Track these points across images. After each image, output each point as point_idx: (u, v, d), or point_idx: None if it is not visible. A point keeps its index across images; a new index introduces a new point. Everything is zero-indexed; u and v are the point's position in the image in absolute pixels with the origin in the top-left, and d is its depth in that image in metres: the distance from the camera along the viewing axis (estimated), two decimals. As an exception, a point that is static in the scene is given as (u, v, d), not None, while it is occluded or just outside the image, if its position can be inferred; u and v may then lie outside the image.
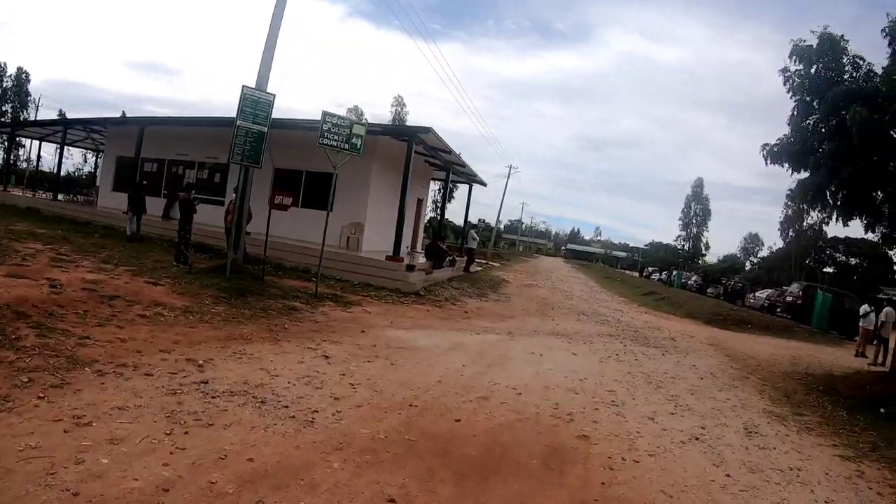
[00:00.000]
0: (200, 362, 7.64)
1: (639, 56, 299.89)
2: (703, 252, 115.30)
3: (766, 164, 15.36)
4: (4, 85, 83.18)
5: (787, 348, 22.06)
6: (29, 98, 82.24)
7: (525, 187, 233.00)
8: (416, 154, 23.54)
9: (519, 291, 27.87)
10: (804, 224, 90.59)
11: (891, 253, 34.03)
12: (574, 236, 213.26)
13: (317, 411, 6.64)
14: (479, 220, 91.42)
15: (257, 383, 7.24)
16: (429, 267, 22.14)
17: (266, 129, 14.10)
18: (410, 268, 19.45)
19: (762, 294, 47.07)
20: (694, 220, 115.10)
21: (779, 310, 38.28)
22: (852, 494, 7.19)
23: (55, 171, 39.82)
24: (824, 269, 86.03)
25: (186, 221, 16.45)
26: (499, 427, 7.40)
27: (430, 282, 21.00)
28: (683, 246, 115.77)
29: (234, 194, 15.96)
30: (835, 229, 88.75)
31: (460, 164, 27.55)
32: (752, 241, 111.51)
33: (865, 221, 15.15)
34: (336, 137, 14.98)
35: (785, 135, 15.11)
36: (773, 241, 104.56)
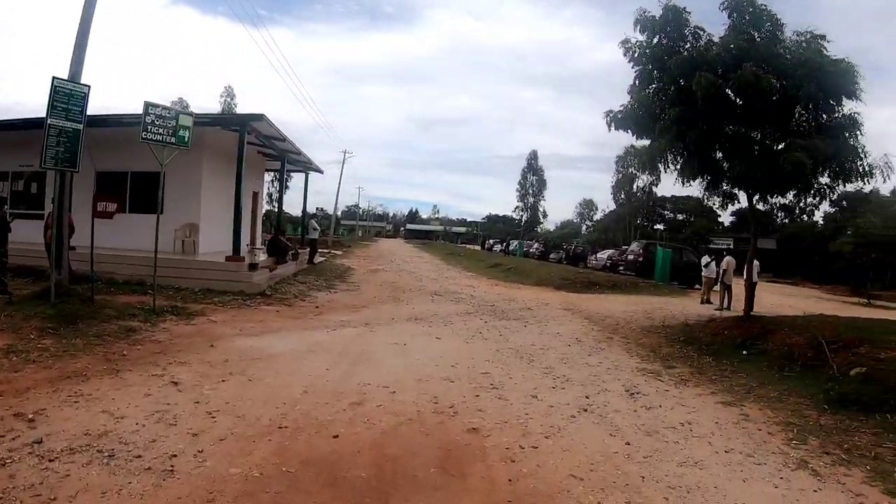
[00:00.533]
0: (30, 416, 6.63)
1: (466, 36, 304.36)
2: (542, 220, 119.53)
3: (610, 130, 15.88)
4: None
5: (637, 304, 23.35)
6: None
7: (361, 171, 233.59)
8: (249, 144, 22.50)
9: (367, 278, 27.44)
10: (634, 187, 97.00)
11: (715, 207, 37.02)
12: (412, 216, 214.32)
13: (175, 455, 5.84)
14: (318, 208, 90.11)
15: (101, 431, 6.32)
16: (272, 263, 21.23)
17: (81, 126, 12.65)
18: (253, 267, 18.55)
19: (603, 255, 49.26)
20: (530, 191, 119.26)
21: (621, 268, 40.75)
22: (746, 438, 7.72)
23: None
24: (655, 227, 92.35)
25: (3, 242, 14.87)
26: (382, 437, 6.94)
27: (276, 279, 20.15)
28: (522, 216, 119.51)
29: (53, 205, 14.62)
30: (663, 189, 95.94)
31: (295, 151, 26.53)
32: (588, 207, 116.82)
33: (707, 180, 16.17)
34: (161, 131, 13.83)
35: (629, 102, 15.64)
36: (605, 204, 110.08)
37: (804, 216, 76.84)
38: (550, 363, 11.48)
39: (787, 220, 76.91)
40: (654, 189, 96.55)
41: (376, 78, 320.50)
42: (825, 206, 53.75)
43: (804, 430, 8.19)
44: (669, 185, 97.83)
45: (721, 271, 24.64)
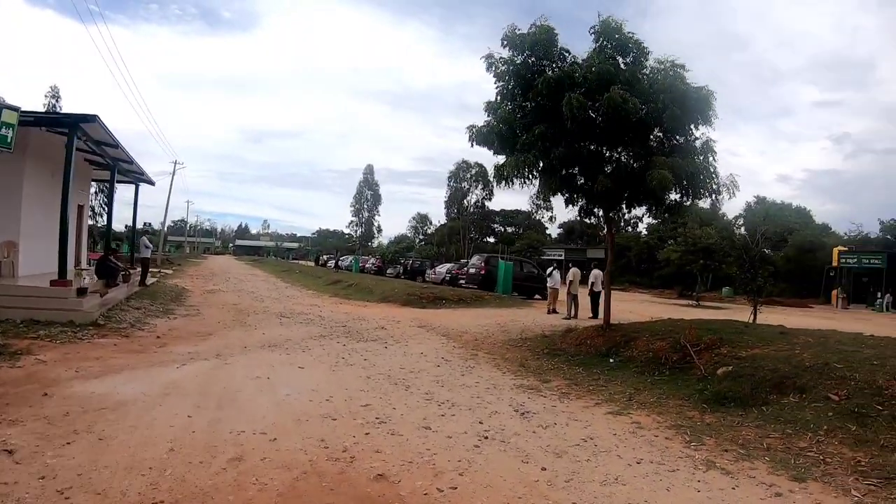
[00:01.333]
0: None
1: (303, 47, 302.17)
2: (376, 235, 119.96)
3: (472, 145, 16.41)
4: None
5: (488, 317, 23.71)
6: None
7: (189, 184, 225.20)
8: (77, 151, 20.55)
9: (205, 300, 25.59)
10: (466, 202, 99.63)
11: (544, 220, 39.27)
12: (242, 232, 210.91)
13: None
14: (145, 223, 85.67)
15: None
16: (102, 287, 19.08)
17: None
18: (82, 292, 16.48)
19: (442, 269, 49.71)
20: (365, 206, 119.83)
21: (462, 281, 41.27)
22: (649, 446, 8.08)
23: None
24: (486, 239, 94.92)
25: None
26: (281, 500, 5.90)
27: (108, 305, 18.08)
28: (356, 231, 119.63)
29: None
30: (494, 203, 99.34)
31: (127, 160, 24.27)
32: (422, 221, 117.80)
33: (566, 195, 16.65)
34: None
35: (490, 118, 16.07)
36: (438, 218, 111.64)
37: (628, 228, 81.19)
38: (428, 388, 11.15)
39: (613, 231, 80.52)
40: (487, 203, 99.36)
41: (208, 86, 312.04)
42: (647, 219, 58.02)
43: (696, 431, 8.83)
44: (501, 199, 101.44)
45: (567, 282, 26.45)
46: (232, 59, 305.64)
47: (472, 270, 40.65)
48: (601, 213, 17.40)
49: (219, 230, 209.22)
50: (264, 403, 9.39)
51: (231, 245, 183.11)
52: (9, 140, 12.34)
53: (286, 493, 6.06)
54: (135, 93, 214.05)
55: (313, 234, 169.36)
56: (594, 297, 25.42)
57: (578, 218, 18.43)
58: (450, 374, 12.43)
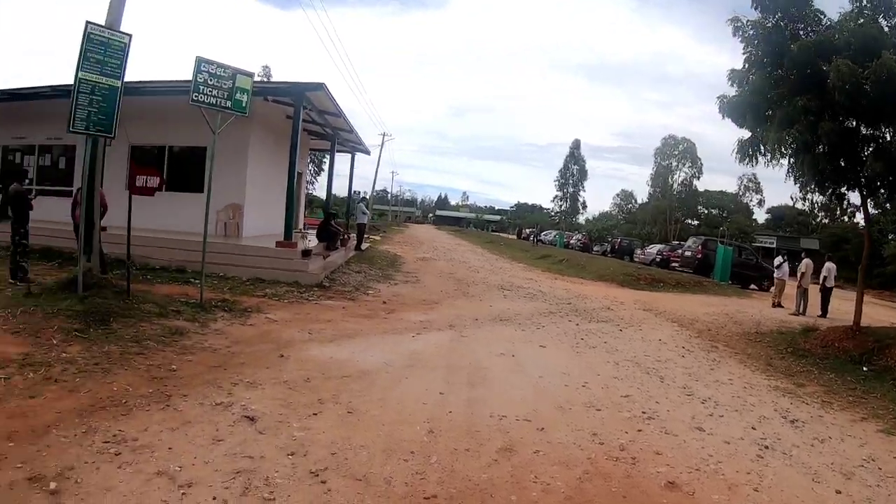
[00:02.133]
0: (52, 482, 4.37)
1: (498, 21, 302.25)
2: (581, 211, 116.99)
3: (723, 117, 14.75)
4: None
5: (712, 305, 21.79)
6: None
7: (391, 156, 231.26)
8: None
9: (421, 268, 25.00)
10: (671, 180, 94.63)
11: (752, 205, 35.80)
12: (441, 202, 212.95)
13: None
14: (356, 192, 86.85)
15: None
16: (323, 250, 18.88)
17: (120, 82, 10.27)
18: (306, 253, 16.20)
19: (652, 249, 46.78)
20: (570, 181, 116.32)
21: (675, 264, 38.24)
22: None
23: None
24: (686, 221, 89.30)
25: (20, 221, 12.63)
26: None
27: (330, 268, 17.79)
28: (561, 206, 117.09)
29: (82, 180, 12.50)
30: (703, 184, 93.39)
31: (347, 129, 23.92)
32: (626, 198, 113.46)
33: (825, 176, 14.39)
34: (215, 92, 11.51)
35: (742, 89, 14.37)
36: (641, 196, 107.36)
37: (844, 217, 73.31)
38: (682, 381, 9.85)
39: (826, 221, 74.22)
40: (696, 182, 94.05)
41: (407, 63, 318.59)
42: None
43: None
44: (705, 179, 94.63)
45: (799, 274, 23.21)
46: (426, 35, 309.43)
47: (687, 254, 38.05)
48: (858, 200, 15.31)
49: (419, 200, 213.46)
50: (519, 385, 8.40)
51: (431, 215, 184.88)
52: (244, 105, 11.97)
53: (574, 496, 5.06)
54: (349, 68, 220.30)
55: (511, 207, 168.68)
56: (825, 293, 22.45)
57: (796, 202, 15.96)
58: (698, 367, 11.07)
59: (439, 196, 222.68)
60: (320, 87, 16.50)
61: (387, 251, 31.76)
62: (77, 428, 5.39)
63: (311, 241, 20.90)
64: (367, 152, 31.80)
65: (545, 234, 78.00)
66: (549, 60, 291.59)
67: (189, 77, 11.45)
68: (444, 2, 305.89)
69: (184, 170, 19.05)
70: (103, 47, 10.00)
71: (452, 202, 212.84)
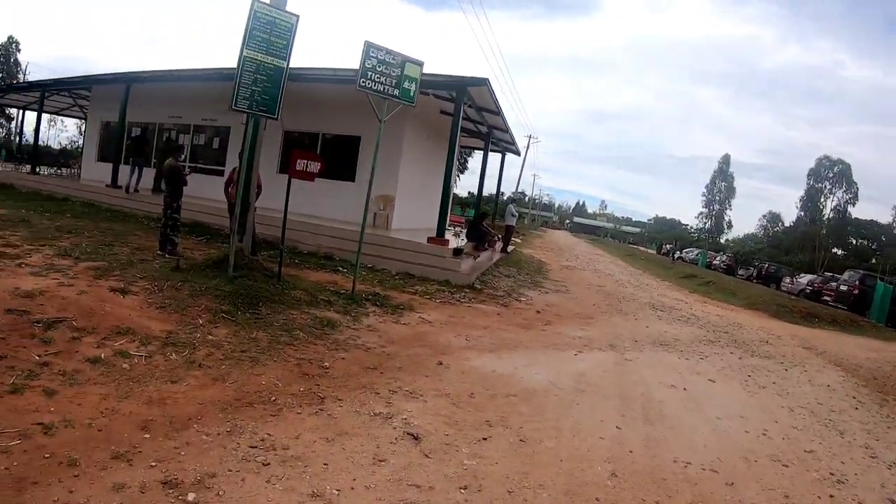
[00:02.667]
0: (191, 493, 3.75)
1: (642, 28, 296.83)
2: (725, 230, 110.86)
3: None
4: None
5: (871, 349, 19.06)
6: (18, 68, 77.51)
7: (532, 158, 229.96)
8: (447, 115, 19.93)
9: (568, 277, 23.68)
10: (821, 203, 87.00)
11: None
12: (579, 209, 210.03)
13: None
14: (513, 193, 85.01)
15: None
16: (472, 250, 18.13)
17: (286, 63, 9.85)
18: (458, 252, 15.45)
19: (802, 279, 42.89)
20: (717, 197, 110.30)
21: (828, 299, 34.90)
22: None
23: (47, 142, 36.98)
24: (833, 250, 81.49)
25: (174, 195, 12.43)
26: None
27: (479, 269, 17.00)
28: (705, 223, 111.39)
29: (239, 160, 12.17)
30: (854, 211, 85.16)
31: (503, 127, 22.98)
32: (773, 221, 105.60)
33: None
34: (382, 79, 10.91)
35: None
36: (788, 219, 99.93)
37: None
38: (861, 438, 8.35)
39: None
40: (850, 209, 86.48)
41: (549, 67, 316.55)
42: None
43: None
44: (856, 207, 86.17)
45: None
46: (571, 41, 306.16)
47: (842, 288, 34.48)
48: None
49: (555, 205, 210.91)
50: (697, 426, 7.32)
51: (568, 221, 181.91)
52: (411, 94, 11.36)
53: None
54: (500, 68, 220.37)
55: (649, 220, 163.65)
56: None
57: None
58: (874, 424, 9.44)
59: (577, 203, 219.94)
60: (484, 82, 15.71)
61: (531, 256, 30.79)
62: (221, 425, 4.80)
63: (462, 240, 20.20)
64: (518, 153, 30.84)
65: (686, 252, 74.73)
66: (693, 70, 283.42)
67: (350, 66, 11.66)
68: (590, 8, 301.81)
69: (335, 158, 18.63)
70: (269, 26, 9.56)
71: (590, 210, 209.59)
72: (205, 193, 17.03)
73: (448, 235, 16.24)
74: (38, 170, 29.83)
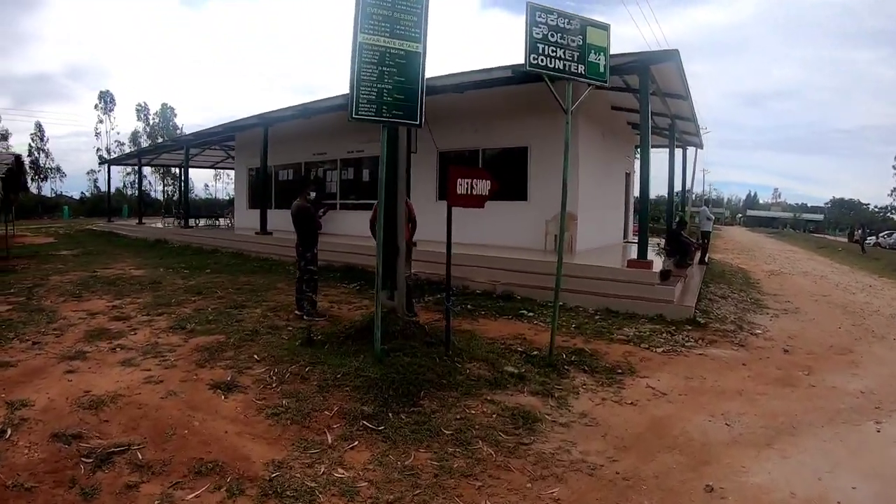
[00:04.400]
0: None
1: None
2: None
3: None
4: (151, 122, 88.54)
5: None
6: (177, 132, 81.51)
7: (689, 152, 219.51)
8: (622, 111, 18.15)
9: (783, 287, 19.27)
10: None
11: None
12: (750, 202, 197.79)
13: None
14: (687, 191, 76.66)
15: None
16: (674, 268, 14.79)
17: (421, 48, 7.06)
18: (665, 276, 12.26)
19: None
20: None
21: None
22: None
23: (215, 194, 39.65)
24: None
25: (306, 243, 10.17)
26: None
27: (692, 293, 13.56)
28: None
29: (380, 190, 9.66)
30: None
31: (688, 116, 19.43)
32: None
33: None
34: (560, 52, 7.80)
35: None
36: None
37: None
38: None
39: None
40: None
41: (692, 54, 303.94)
42: None
43: None
44: None
45: None
46: (710, 24, 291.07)
47: None
48: None
49: (724, 200, 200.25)
50: None
51: (740, 216, 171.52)
52: (601, 69, 8.14)
53: None
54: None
55: (826, 204, 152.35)
56: None
57: None
58: None
59: (748, 194, 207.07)
60: (672, 56, 12.61)
61: (724, 261, 26.77)
62: None
63: (660, 256, 16.93)
64: (701, 145, 27.12)
65: (885, 236, 65.96)
66: (844, 33, 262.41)
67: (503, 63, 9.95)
68: None
69: (501, 175, 15.89)
70: (390, 4, 6.86)
71: (761, 200, 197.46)
72: (358, 231, 15.58)
73: (660, 254, 13.30)
74: (190, 223, 30.09)
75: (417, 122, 7.08)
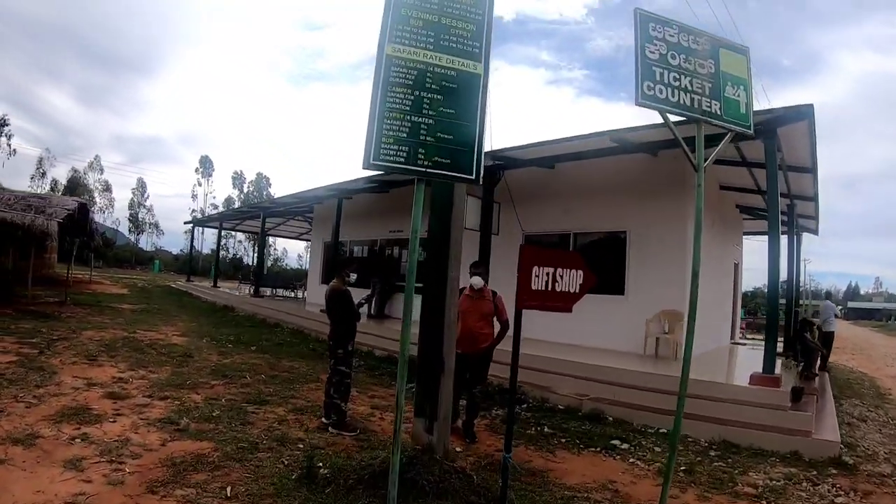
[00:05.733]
0: None
1: (875, 73, 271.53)
2: None
3: None
4: (245, 190, 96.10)
5: None
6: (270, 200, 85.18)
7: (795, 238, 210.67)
8: (731, 190, 16.24)
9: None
10: None
11: None
12: (852, 292, 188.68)
13: None
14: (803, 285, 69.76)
15: None
16: (803, 380, 11.99)
17: (482, 71, 4.72)
18: (797, 394, 9.53)
19: None
20: None
21: None
22: None
23: (303, 265, 41.30)
24: None
25: (340, 335, 7.97)
26: None
27: (829, 415, 10.67)
28: None
29: (476, 278, 7.72)
30: None
31: (808, 194, 16.14)
32: None
33: None
34: (685, 82, 5.38)
35: None
36: None
37: None
38: None
39: None
40: None
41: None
42: None
43: None
44: None
45: None
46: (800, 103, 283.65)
47: None
48: None
49: (823, 291, 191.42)
50: None
51: (840, 308, 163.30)
52: (744, 111, 5.62)
53: None
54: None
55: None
56: None
57: None
58: None
59: (848, 285, 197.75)
60: (805, 113, 9.93)
61: (843, 366, 23.01)
62: None
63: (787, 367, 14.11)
64: (817, 231, 22.18)
65: None
66: None
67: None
68: (815, 65, 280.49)
69: (593, 264, 13.69)
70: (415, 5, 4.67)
71: (863, 291, 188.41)
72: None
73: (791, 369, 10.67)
74: (265, 291, 30.20)
75: (473, 177, 4.65)
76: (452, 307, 6.27)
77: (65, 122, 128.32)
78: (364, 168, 4.39)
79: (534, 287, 5.03)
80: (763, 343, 11.32)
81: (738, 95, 5.66)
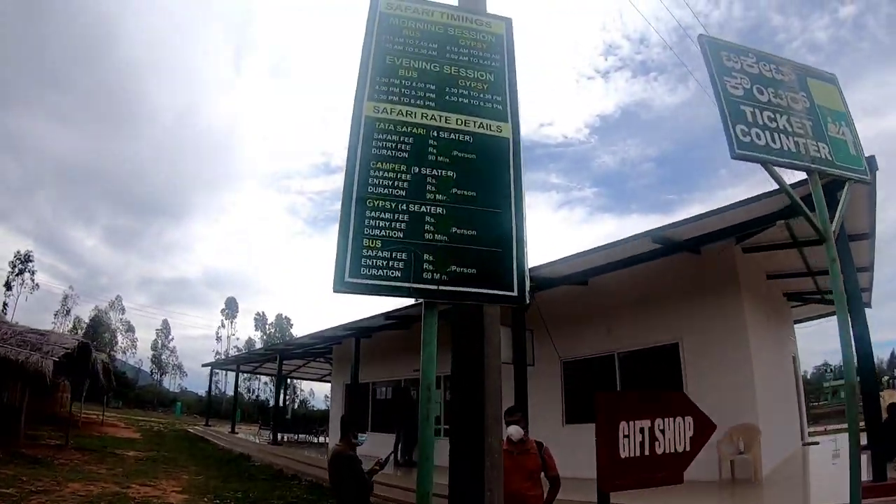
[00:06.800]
0: None
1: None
2: None
3: None
4: (267, 331, 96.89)
5: None
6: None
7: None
8: (778, 278, 14.42)
9: None
10: None
11: None
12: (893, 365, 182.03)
13: None
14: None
15: None
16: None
17: (510, 133, 3.27)
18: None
19: None
20: None
21: None
22: None
23: (319, 406, 41.38)
24: None
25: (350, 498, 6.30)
26: None
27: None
28: None
29: (513, 427, 6.03)
30: None
31: (865, 266, 13.73)
32: None
33: None
34: (783, 122, 4.07)
35: None
36: None
37: None
38: None
39: None
40: None
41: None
42: None
43: None
44: None
45: None
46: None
47: None
48: None
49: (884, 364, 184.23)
50: None
51: (886, 377, 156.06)
52: (853, 150, 4.45)
53: None
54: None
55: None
56: None
57: None
58: None
59: (891, 353, 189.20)
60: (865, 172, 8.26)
61: None
62: None
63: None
64: (870, 304, 19.61)
65: None
66: None
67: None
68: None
69: (644, 382, 12.88)
70: (437, 41, 3.48)
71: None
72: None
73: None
74: (285, 437, 28.65)
75: (515, 293, 3.05)
76: (497, 466, 4.53)
77: (92, 260, 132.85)
78: (335, 291, 2.75)
79: (623, 454, 3.36)
80: (833, 437, 9.70)
81: (843, 134, 4.49)
